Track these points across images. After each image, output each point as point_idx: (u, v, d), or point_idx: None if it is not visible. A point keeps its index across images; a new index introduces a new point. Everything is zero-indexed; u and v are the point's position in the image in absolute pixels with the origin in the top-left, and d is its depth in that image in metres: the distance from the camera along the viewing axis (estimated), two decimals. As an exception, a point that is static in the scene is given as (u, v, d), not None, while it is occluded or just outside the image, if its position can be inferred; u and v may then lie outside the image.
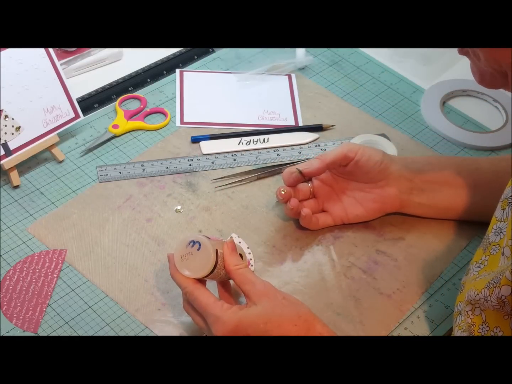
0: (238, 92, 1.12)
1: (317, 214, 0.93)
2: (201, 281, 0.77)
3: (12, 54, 0.93)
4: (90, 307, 0.84)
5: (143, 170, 0.99)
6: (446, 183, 0.92)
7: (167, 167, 1.00)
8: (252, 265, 0.88)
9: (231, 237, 0.88)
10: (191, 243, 0.76)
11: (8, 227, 0.91)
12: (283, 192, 0.90)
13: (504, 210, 0.73)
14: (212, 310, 0.74)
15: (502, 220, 0.73)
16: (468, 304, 0.73)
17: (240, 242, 0.90)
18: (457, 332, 0.76)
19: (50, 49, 0.97)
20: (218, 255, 0.76)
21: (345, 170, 0.92)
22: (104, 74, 1.13)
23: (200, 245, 0.76)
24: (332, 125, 1.08)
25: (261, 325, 0.72)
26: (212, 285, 0.81)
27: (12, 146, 0.93)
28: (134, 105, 1.08)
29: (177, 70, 1.15)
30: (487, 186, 0.91)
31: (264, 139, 1.05)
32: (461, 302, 0.76)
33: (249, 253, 0.89)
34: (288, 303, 0.75)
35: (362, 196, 0.92)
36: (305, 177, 0.92)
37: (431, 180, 0.92)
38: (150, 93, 1.11)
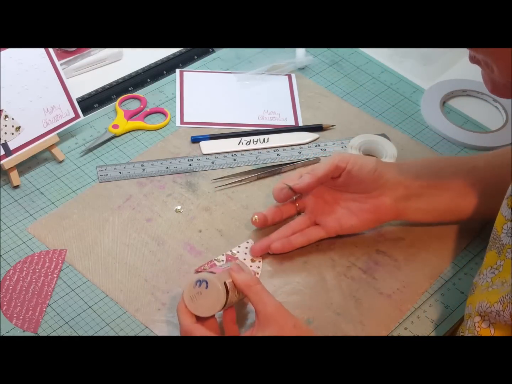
0: (238, 92, 1.12)
1: (309, 229, 0.91)
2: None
3: (12, 54, 0.93)
4: (90, 307, 0.84)
5: (143, 170, 0.99)
6: (443, 186, 0.90)
7: (167, 167, 1.00)
8: (258, 273, 0.88)
9: (236, 262, 0.84)
10: (198, 283, 0.76)
11: (8, 227, 0.91)
12: (255, 220, 0.90)
13: (510, 208, 0.72)
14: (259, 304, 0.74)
15: (511, 219, 0.72)
16: (477, 315, 0.72)
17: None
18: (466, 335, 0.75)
19: (50, 49, 0.97)
20: (228, 286, 0.76)
21: (338, 182, 0.89)
22: (104, 74, 1.13)
23: (207, 283, 0.76)
24: (332, 125, 1.08)
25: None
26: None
27: (12, 146, 0.93)
28: (134, 105, 1.08)
29: (177, 70, 1.15)
30: (484, 183, 0.89)
31: (264, 139, 1.05)
32: (471, 304, 0.75)
33: (259, 261, 0.89)
34: (297, 332, 0.74)
35: (356, 207, 0.89)
36: (296, 193, 0.90)
37: (428, 185, 0.89)
38: (150, 93, 1.11)
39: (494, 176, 0.88)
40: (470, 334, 0.74)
